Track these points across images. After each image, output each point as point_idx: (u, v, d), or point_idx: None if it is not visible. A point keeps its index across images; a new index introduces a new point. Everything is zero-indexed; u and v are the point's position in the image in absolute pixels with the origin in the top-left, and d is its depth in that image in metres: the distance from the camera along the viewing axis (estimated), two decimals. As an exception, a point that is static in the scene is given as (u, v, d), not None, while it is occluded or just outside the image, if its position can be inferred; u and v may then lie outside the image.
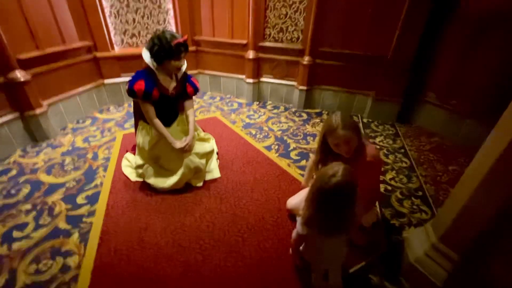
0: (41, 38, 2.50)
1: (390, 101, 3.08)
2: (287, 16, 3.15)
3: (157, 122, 1.87)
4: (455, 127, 2.78)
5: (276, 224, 1.75)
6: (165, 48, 1.69)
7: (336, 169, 1.06)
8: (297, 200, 1.77)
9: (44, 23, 2.53)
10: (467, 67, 2.58)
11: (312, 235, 1.21)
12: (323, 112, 3.45)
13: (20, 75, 2.27)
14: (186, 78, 2.00)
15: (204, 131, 2.37)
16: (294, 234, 1.37)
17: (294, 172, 2.25)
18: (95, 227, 1.69)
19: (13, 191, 1.96)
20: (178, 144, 1.87)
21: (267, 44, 3.35)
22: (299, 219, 1.25)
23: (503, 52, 2.33)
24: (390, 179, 2.21)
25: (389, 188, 2.12)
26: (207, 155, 2.16)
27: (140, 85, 1.74)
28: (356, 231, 1.51)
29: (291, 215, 1.79)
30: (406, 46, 2.75)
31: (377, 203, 1.91)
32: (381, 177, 2.22)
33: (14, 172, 2.17)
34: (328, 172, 1.06)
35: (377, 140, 2.82)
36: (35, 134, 2.54)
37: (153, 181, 1.97)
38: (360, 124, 3.16)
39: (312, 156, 1.71)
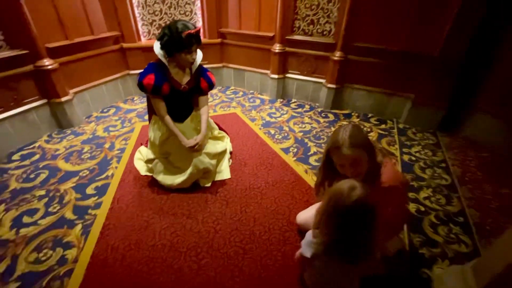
0: (70, 27, 2.57)
1: (433, 106, 2.68)
2: (319, 7, 2.87)
3: (168, 119, 1.78)
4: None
5: (283, 238, 1.57)
6: (175, 39, 1.57)
7: (353, 183, 0.90)
8: (308, 214, 1.57)
9: (74, 13, 2.59)
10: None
11: (321, 260, 1.04)
12: (353, 113, 3.14)
13: (47, 63, 2.34)
14: (201, 72, 1.87)
15: (220, 128, 2.25)
16: (297, 253, 1.20)
17: (311, 180, 2.04)
18: (98, 221, 1.67)
19: (32, 176, 2.04)
20: (188, 143, 1.77)
21: (295, 37, 3.11)
22: (306, 238, 1.07)
23: None
24: (424, 198, 1.90)
25: (422, 209, 1.81)
26: (219, 155, 2.04)
27: (150, 79, 1.65)
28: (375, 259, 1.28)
29: (301, 230, 1.60)
30: (458, 44, 2.33)
31: (404, 226, 1.64)
32: (413, 195, 1.92)
33: (37, 156, 2.26)
34: (343, 187, 0.90)
35: (413, 150, 2.47)
36: (61, 121, 2.64)
37: (160, 177, 1.91)
38: (396, 133, 2.80)
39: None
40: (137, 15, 3.11)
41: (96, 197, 1.85)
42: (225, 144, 2.13)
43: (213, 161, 1.92)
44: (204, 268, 1.41)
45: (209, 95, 2.00)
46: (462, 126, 2.66)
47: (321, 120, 2.98)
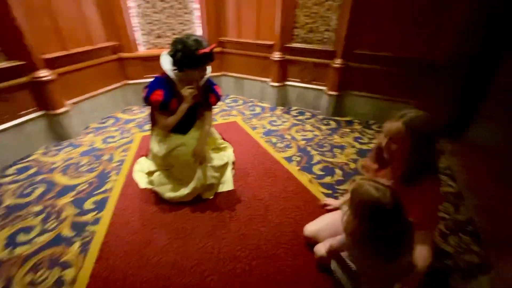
0: (68, 38, 2.54)
1: (436, 112, 2.66)
2: (318, 15, 2.88)
3: (169, 123, 1.72)
4: (519, 147, 2.30)
5: (292, 252, 1.52)
6: (189, 57, 1.52)
7: (375, 185, 0.94)
8: (317, 226, 1.52)
9: (72, 23, 2.56)
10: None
11: (372, 268, 1.06)
12: (354, 120, 3.12)
13: (44, 74, 2.30)
14: (209, 86, 1.84)
15: (222, 138, 2.20)
16: (334, 243, 1.19)
17: (316, 190, 2.00)
18: (97, 238, 1.60)
19: (28, 191, 1.96)
20: (186, 91, 1.63)
21: (295, 45, 3.12)
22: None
23: None
24: (432, 207, 1.86)
25: (431, 218, 1.77)
26: (223, 167, 1.99)
27: (158, 95, 1.61)
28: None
29: (309, 243, 1.54)
30: (464, 48, 2.34)
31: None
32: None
33: (33, 170, 2.19)
34: (372, 193, 0.93)
35: (417, 156, 2.44)
36: (58, 133, 2.57)
37: (162, 190, 1.85)
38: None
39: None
40: (135, 24, 3.09)
41: (95, 212, 1.78)
42: (229, 155, 2.09)
43: (217, 174, 1.88)
44: (209, 286, 1.34)
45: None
46: (467, 132, 2.65)
47: (323, 127, 2.96)
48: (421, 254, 1.12)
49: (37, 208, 1.81)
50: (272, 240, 1.59)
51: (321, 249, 1.40)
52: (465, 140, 2.62)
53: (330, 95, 3.08)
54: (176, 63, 1.58)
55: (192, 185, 1.76)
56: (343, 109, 3.18)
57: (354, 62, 2.87)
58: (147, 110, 3.24)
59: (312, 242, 1.52)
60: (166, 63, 1.63)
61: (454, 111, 2.61)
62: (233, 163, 2.21)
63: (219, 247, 1.55)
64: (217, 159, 1.94)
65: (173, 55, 1.56)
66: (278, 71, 3.24)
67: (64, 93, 2.54)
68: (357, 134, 2.83)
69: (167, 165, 1.89)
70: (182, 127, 1.83)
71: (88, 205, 1.84)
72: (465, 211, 1.84)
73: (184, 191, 1.79)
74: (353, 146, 2.60)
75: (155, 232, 1.64)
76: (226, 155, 2.06)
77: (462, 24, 2.27)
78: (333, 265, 1.30)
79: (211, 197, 1.90)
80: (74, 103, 2.69)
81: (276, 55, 3.16)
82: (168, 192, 1.83)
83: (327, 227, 1.48)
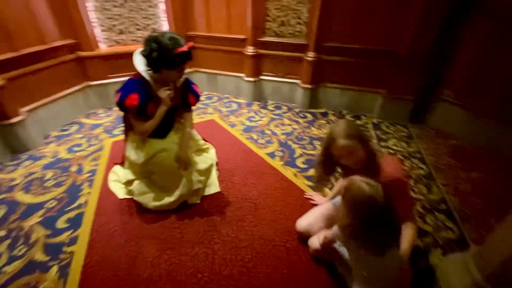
0: (16, 37, 2.23)
1: (403, 100, 2.84)
2: (289, 8, 2.87)
3: (147, 128, 1.61)
4: (475, 128, 2.54)
5: (286, 249, 1.53)
6: (166, 57, 1.40)
7: (365, 180, 0.99)
8: (308, 220, 1.55)
9: (19, 20, 2.24)
10: (491, 63, 2.33)
11: (367, 261, 1.08)
12: (329, 112, 3.21)
13: (-10, 80, 2.01)
14: (187, 86, 1.73)
15: (202, 138, 2.12)
16: (328, 234, 1.23)
17: (302, 183, 2.03)
18: (76, 259, 1.46)
19: (-15, 215, 1.73)
20: (163, 93, 1.52)
21: (267, 39, 3.08)
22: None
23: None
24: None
25: (409, 201, 1.89)
26: (208, 170, 1.92)
27: (133, 99, 1.48)
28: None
29: (302, 238, 1.57)
30: (423, 40, 2.50)
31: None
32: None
33: (-12, 190, 1.93)
34: (364, 189, 0.97)
35: (390, 143, 2.59)
36: (14, 145, 2.28)
37: (144, 199, 1.74)
38: (371, 128, 2.91)
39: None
40: (93, 20, 2.82)
41: (71, 231, 1.63)
42: (212, 156, 2.03)
43: (203, 178, 1.81)
44: (208, 295, 1.31)
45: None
46: (430, 116, 2.86)
47: (300, 120, 3.00)
48: (405, 237, 1.21)
49: (1, 234, 1.60)
50: (266, 239, 1.59)
51: (315, 242, 1.43)
52: (428, 125, 2.83)
53: (305, 88, 3.12)
54: (151, 63, 1.46)
55: (178, 192, 1.68)
56: (318, 101, 3.24)
57: (326, 54, 2.92)
58: (114, 113, 3.03)
59: (305, 236, 1.54)
60: (140, 64, 1.50)
61: (417, 97, 2.80)
62: (216, 163, 2.15)
63: (213, 253, 1.51)
64: (201, 162, 1.87)
65: (147, 55, 1.44)
66: (252, 65, 3.20)
67: (16, 100, 2.25)
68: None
69: (147, 173, 1.78)
70: (160, 131, 1.73)
71: (60, 224, 1.68)
72: (437, 191, 2.00)
73: (169, 199, 1.70)
74: (331, 137, 2.68)
75: (142, 246, 1.55)
76: (209, 157, 2.00)
77: (420, 16, 2.41)
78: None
79: (198, 202, 1.83)
80: (29, 111, 2.40)
81: (249, 50, 3.10)
82: (152, 202, 1.72)
83: (318, 220, 1.52)
